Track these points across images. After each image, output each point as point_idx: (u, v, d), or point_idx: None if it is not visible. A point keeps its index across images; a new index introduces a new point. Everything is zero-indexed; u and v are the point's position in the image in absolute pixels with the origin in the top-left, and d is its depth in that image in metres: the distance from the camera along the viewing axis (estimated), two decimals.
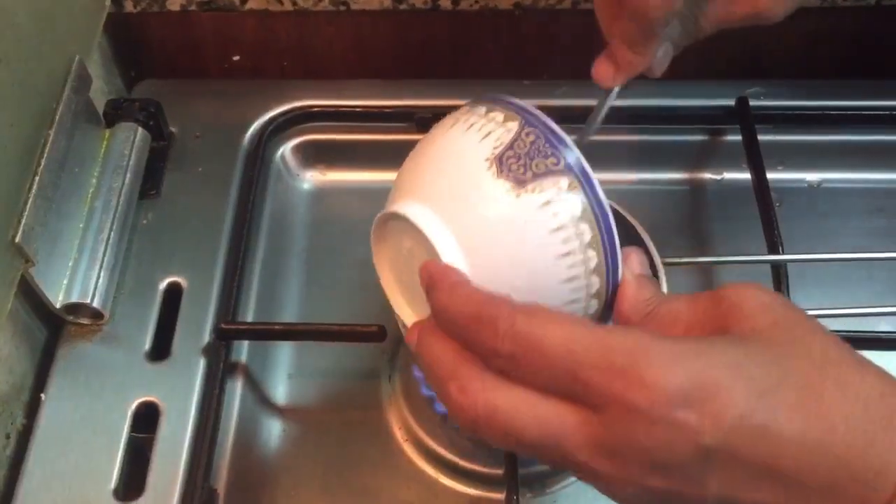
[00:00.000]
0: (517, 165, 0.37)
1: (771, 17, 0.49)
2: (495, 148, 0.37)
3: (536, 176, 0.37)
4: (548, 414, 0.33)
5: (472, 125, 0.38)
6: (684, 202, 0.69)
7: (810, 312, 0.56)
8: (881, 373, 0.33)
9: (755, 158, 0.64)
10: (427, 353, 0.36)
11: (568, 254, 0.37)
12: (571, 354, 0.32)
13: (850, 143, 0.69)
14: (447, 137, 0.39)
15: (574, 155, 0.37)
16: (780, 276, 0.58)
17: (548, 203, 0.37)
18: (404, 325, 0.42)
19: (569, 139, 0.37)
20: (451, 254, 0.37)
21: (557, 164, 0.37)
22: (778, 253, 0.59)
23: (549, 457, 0.34)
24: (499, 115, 0.38)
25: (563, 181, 0.37)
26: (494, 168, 0.37)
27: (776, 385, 0.31)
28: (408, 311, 0.41)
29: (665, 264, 0.52)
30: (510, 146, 0.37)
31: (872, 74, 0.71)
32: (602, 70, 0.48)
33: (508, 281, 0.37)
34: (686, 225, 0.67)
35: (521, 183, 0.36)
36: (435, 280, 0.36)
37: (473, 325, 0.34)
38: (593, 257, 0.37)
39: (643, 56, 0.47)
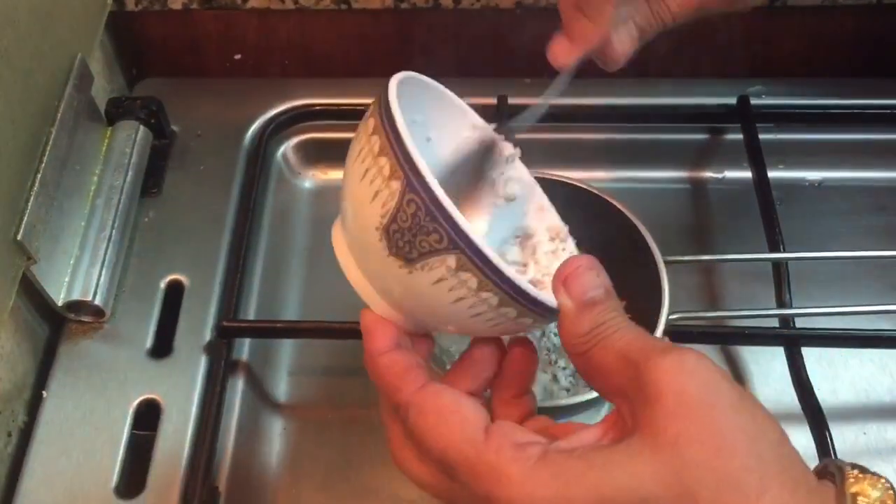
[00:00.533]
0: (403, 243, 0.34)
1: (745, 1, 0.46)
2: (382, 217, 0.34)
3: (423, 255, 0.34)
4: (441, 486, 0.36)
5: (367, 170, 0.35)
6: (686, 200, 0.69)
7: (810, 311, 0.57)
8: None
9: (756, 157, 0.64)
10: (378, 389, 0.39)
11: (480, 314, 0.35)
12: (446, 461, 0.34)
13: (851, 142, 0.69)
14: (351, 172, 0.36)
15: (457, 228, 0.33)
16: (780, 275, 0.59)
17: (441, 280, 0.34)
18: None
19: (451, 207, 0.33)
20: (380, 307, 0.37)
21: (441, 241, 0.33)
22: (779, 251, 0.59)
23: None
24: (386, 166, 0.34)
25: (451, 259, 0.33)
26: (384, 242, 0.34)
27: None
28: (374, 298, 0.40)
29: (666, 262, 0.52)
30: (394, 217, 0.34)
31: (873, 73, 0.71)
32: (557, 48, 0.45)
33: (436, 326, 0.39)
34: (687, 223, 0.67)
35: (410, 262, 0.34)
36: (364, 341, 0.38)
37: (387, 399, 0.37)
38: (510, 311, 0.35)
39: (597, 25, 0.44)
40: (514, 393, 0.39)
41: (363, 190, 0.35)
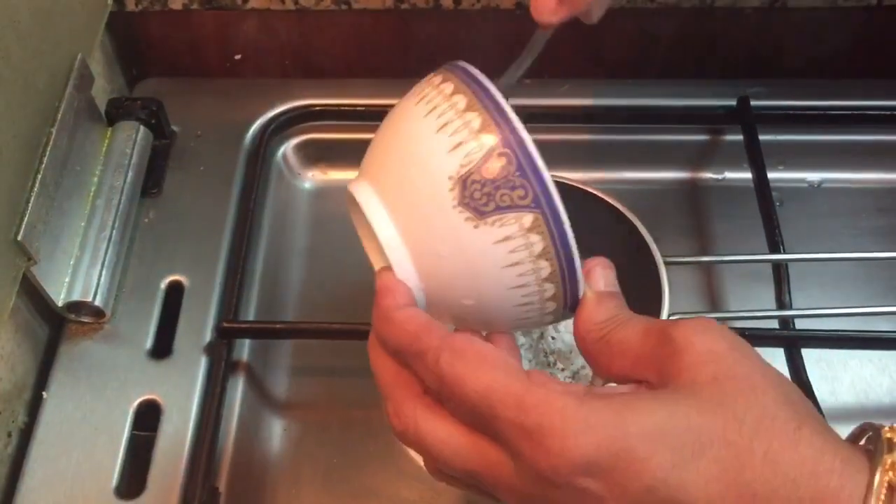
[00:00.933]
0: (480, 194, 0.34)
1: None
2: (462, 166, 0.34)
3: (499, 209, 0.34)
4: (469, 450, 0.33)
5: (446, 124, 0.35)
6: (685, 201, 0.69)
7: (810, 313, 0.57)
8: (820, 443, 0.31)
9: (756, 158, 0.64)
10: (372, 365, 0.36)
11: (522, 286, 0.35)
12: (488, 404, 0.32)
13: (851, 143, 0.69)
14: (418, 128, 0.36)
15: (545, 187, 0.34)
16: (780, 276, 0.59)
17: (506, 239, 0.34)
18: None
19: (543, 166, 0.34)
20: (404, 269, 0.36)
21: (524, 197, 0.34)
22: (779, 252, 0.59)
23: (473, 489, 0.35)
24: (475, 120, 0.34)
25: (527, 219, 0.34)
26: (457, 191, 0.34)
27: (696, 455, 0.30)
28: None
29: (666, 263, 0.52)
30: (478, 168, 0.34)
31: (873, 74, 0.71)
32: (543, 5, 0.44)
33: (458, 299, 0.36)
34: (687, 224, 0.67)
35: (481, 215, 0.34)
36: (377, 299, 0.36)
37: (406, 355, 0.34)
38: (549, 288, 0.35)
39: None
40: None
41: (440, 140, 0.35)
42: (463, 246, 0.34)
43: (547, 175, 0.34)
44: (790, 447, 0.30)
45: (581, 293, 0.36)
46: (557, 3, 0.44)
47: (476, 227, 0.34)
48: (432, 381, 0.33)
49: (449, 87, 0.36)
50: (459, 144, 0.34)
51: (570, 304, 0.36)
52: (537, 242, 0.34)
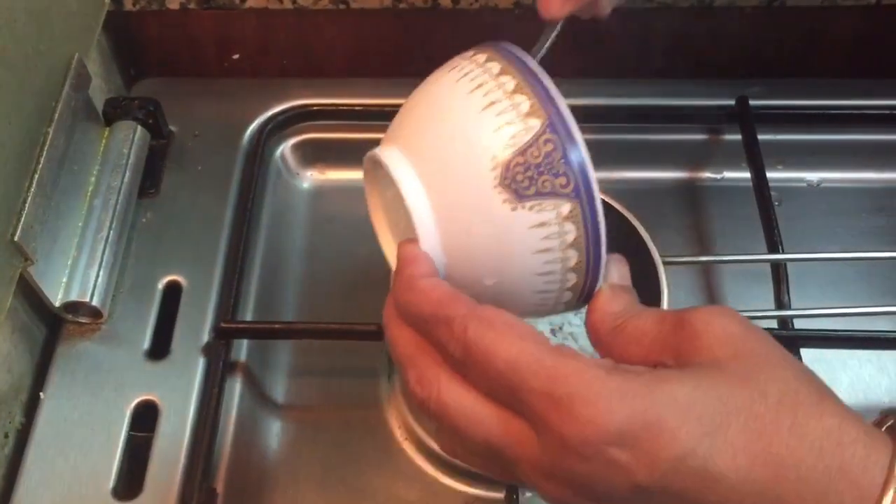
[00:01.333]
0: (523, 177, 0.34)
1: None
2: (507, 147, 0.34)
3: (539, 194, 0.34)
4: (492, 421, 0.33)
5: (493, 103, 0.34)
6: (684, 201, 0.69)
7: (809, 312, 0.57)
8: (843, 414, 0.31)
9: (755, 158, 0.64)
10: (390, 337, 0.36)
11: (547, 273, 0.35)
12: (516, 374, 0.31)
13: (850, 143, 0.69)
14: (462, 104, 0.35)
15: (587, 178, 0.34)
16: (779, 276, 0.59)
17: (542, 225, 0.34)
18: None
19: (587, 157, 0.34)
20: (429, 241, 0.35)
21: (566, 185, 0.34)
22: (777, 252, 0.59)
23: (493, 467, 0.34)
24: (524, 103, 0.34)
25: (565, 207, 0.34)
26: (499, 172, 0.34)
27: (724, 425, 0.30)
28: (393, 250, 0.39)
29: (665, 263, 0.52)
30: (523, 151, 0.34)
31: (872, 74, 0.71)
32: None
33: (479, 278, 0.36)
34: (686, 224, 0.67)
35: (520, 198, 0.34)
36: (400, 267, 0.35)
37: (430, 323, 0.34)
38: (572, 278, 0.36)
39: None
40: None
41: (486, 119, 0.34)
42: (497, 227, 0.34)
43: (590, 166, 0.34)
44: (815, 418, 0.31)
45: (599, 286, 0.36)
46: None
47: (514, 209, 0.34)
48: (457, 349, 0.33)
49: (496, 67, 0.36)
50: (505, 125, 0.34)
51: (586, 295, 0.37)
52: (571, 232, 0.34)
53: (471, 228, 0.35)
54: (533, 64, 0.35)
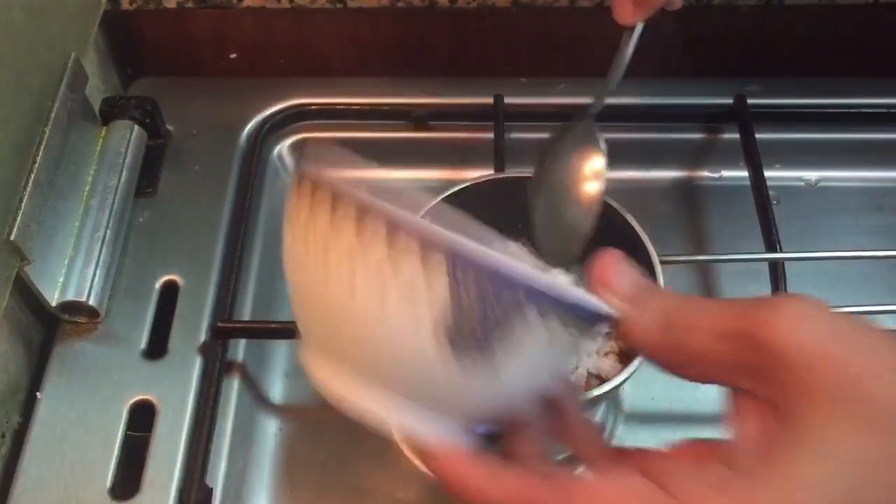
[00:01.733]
0: (468, 336, 0.29)
1: None
2: (436, 321, 0.28)
3: (497, 333, 0.29)
4: None
5: (389, 294, 0.29)
6: (682, 200, 0.69)
7: None
8: None
9: (753, 156, 0.64)
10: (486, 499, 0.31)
11: (556, 364, 0.32)
12: None
13: (848, 141, 0.69)
14: (363, 307, 0.30)
15: (506, 274, 0.28)
16: (777, 274, 0.58)
17: (520, 346, 0.29)
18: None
19: (482, 250, 0.28)
20: (435, 430, 0.32)
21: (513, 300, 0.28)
22: (776, 251, 0.59)
23: None
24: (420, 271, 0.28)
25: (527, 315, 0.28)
26: (445, 348, 0.29)
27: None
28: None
29: (662, 262, 0.52)
30: (451, 315, 0.28)
31: (870, 72, 0.71)
32: (623, 8, 0.45)
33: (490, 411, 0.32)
34: (684, 223, 0.67)
35: (483, 353, 0.29)
36: (448, 470, 0.31)
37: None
38: (574, 334, 0.30)
39: None
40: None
41: (400, 318, 0.29)
42: (491, 386, 0.30)
43: (491, 257, 0.27)
44: None
45: (603, 307, 0.30)
46: (634, 5, 0.46)
47: (482, 367, 0.29)
48: None
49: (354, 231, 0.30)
50: (417, 306, 0.28)
51: (597, 324, 0.31)
52: (551, 327, 0.29)
53: (470, 403, 0.31)
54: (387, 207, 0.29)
